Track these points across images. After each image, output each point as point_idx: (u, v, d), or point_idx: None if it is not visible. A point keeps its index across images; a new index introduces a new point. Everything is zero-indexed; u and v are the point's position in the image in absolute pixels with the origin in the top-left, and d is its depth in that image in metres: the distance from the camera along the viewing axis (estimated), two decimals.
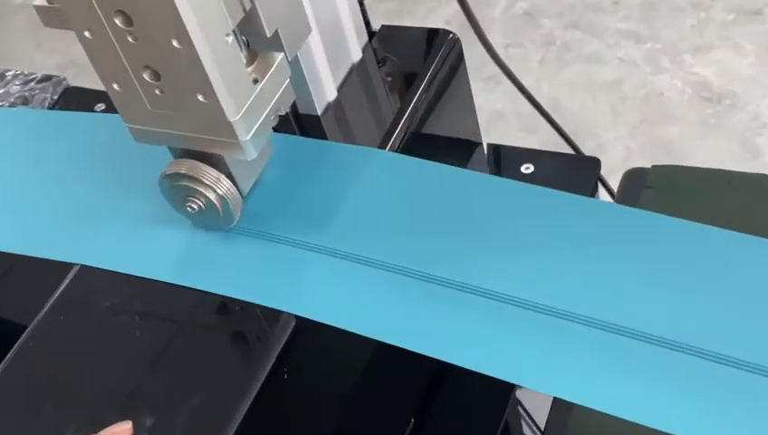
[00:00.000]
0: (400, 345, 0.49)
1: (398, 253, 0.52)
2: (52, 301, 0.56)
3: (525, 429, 0.78)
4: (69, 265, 0.57)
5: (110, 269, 0.56)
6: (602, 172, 1.08)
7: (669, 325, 0.47)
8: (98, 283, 0.56)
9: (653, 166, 0.81)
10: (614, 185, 1.14)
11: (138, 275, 0.55)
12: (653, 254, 0.51)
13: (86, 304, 0.56)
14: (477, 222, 0.53)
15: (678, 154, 1.50)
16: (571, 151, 1.02)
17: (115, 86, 0.49)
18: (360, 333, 0.50)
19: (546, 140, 1.58)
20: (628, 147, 1.54)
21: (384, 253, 0.52)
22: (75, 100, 0.87)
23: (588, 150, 1.59)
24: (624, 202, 0.80)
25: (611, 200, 0.94)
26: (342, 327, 0.50)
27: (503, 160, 0.79)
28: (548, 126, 1.61)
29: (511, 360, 0.47)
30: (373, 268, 0.52)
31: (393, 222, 0.54)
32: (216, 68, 0.46)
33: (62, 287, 0.57)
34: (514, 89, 1.58)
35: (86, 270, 0.57)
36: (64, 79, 0.91)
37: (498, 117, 1.65)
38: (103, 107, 0.83)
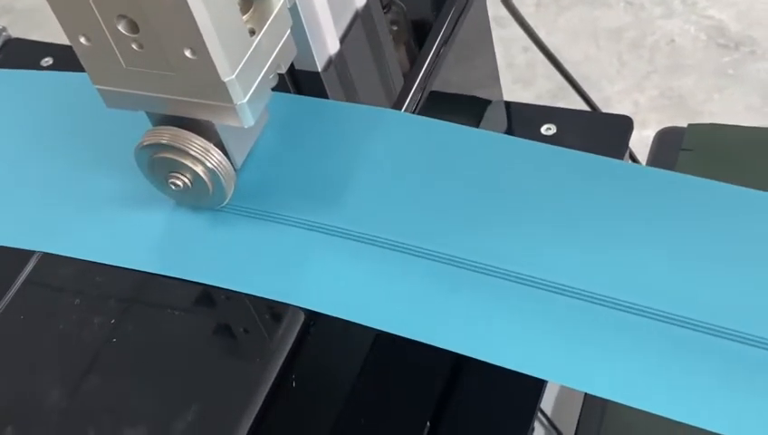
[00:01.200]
0: (426, 341, 0.45)
1: (422, 233, 0.49)
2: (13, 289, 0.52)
3: None
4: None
5: (78, 257, 0.51)
6: None
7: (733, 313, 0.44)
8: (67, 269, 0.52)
9: (689, 125, 0.78)
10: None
11: (111, 264, 0.51)
12: (710, 228, 0.48)
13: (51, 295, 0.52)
14: (511, 195, 0.50)
15: (692, 108, 1.47)
16: (579, 102, 0.98)
17: (82, 40, 0.45)
18: (379, 328, 0.46)
19: (543, 93, 1.55)
20: (636, 101, 1.51)
21: (405, 234, 0.49)
22: (18, 54, 0.81)
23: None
24: (658, 167, 0.77)
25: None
26: (358, 321, 0.46)
27: (520, 120, 0.75)
28: (545, 78, 1.59)
29: (554, 356, 0.44)
30: (393, 251, 0.48)
31: (415, 196, 0.50)
32: (207, 16, 0.42)
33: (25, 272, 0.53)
34: (506, 37, 1.54)
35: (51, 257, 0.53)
36: (4, 29, 0.85)
37: None
38: (51, 61, 0.78)
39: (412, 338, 0.45)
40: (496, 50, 1.68)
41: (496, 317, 0.46)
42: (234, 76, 0.44)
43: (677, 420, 0.41)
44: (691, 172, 0.75)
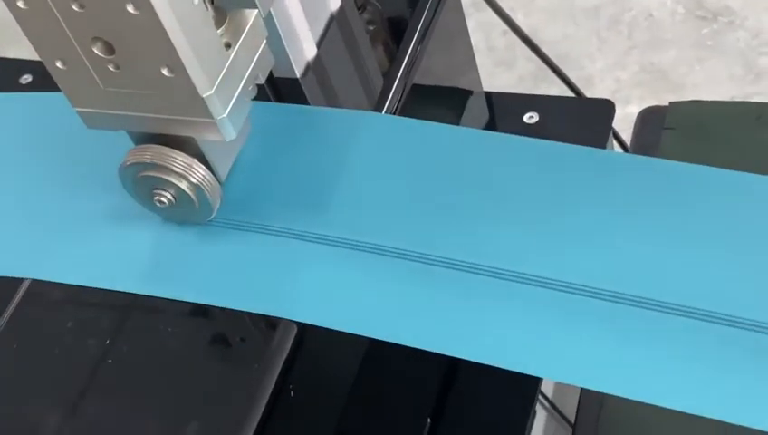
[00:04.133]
0: (430, 349, 0.45)
1: (416, 237, 0.48)
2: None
3: (553, 422, 0.75)
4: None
5: (66, 282, 0.51)
6: None
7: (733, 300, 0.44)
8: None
9: (671, 103, 0.78)
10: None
11: (100, 286, 0.51)
12: (702, 216, 0.48)
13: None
14: (500, 192, 0.50)
15: (674, 82, 1.47)
16: (561, 83, 0.98)
17: (59, 64, 0.45)
18: (378, 337, 0.46)
19: (526, 74, 1.55)
20: (617, 78, 1.51)
21: (399, 238, 0.49)
22: None
23: None
24: (642, 147, 0.77)
25: (618, 146, 0.91)
26: (355, 332, 0.46)
27: (502, 109, 0.75)
28: (525, 59, 1.58)
29: (556, 354, 0.44)
30: (388, 257, 0.48)
31: (402, 199, 0.50)
32: (182, 34, 0.42)
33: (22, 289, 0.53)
34: (485, 20, 1.54)
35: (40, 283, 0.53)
36: None
37: None
38: (30, 78, 0.78)
39: (412, 345, 0.45)
40: (476, 34, 1.68)
41: (494, 317, 0.45)
42: (212, 92, 0.44)
43: (681, 410, 0.42)
44: (675, 151, 0.76)
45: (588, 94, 1.52)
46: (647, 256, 0.46)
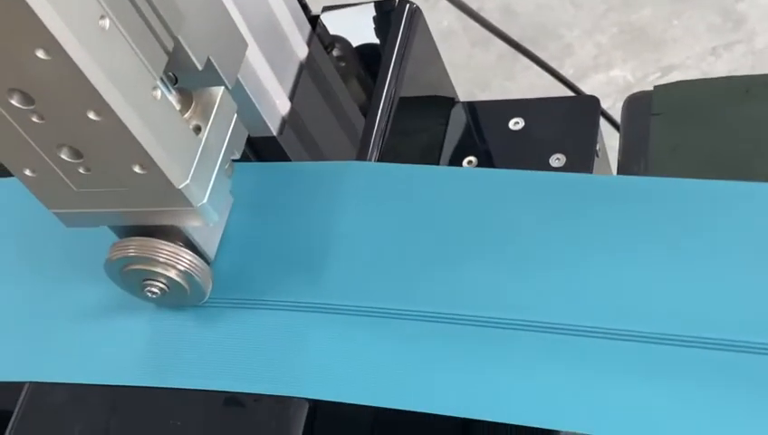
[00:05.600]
0: (442, 413, 0.44)
1: (422, 296, 0.47)
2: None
3: None
4: None
5: (61, 381, 0.50)
6: (573, 77, 1.02)
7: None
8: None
9: (655, 87, 0.76)
10: (587, 90, 1.08)
11: (100, 383, 0.49)
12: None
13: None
14: (497, 236, 0.48)
15: (654, 39, 1.45)
16: (542, 54, 0.96)
17: (27, 172, 0.43)
18: (395, 407, 0.44)
19: (504, 53, 1.53)
20: (597, 43, 1.49)
21: (405, 299, 0.47)
22: None
23: (552, 54, 1.53)
24: (631, 137, 0.75)
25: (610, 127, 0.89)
26: (368, 404, 0.45)
27: (486, 118, 0.73)
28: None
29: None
30: (396, 320, 0.46)
31: (403, 253, 0.48)
32: (148, 133, 0.40)
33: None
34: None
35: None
36: None
37: (446, 35, 1.59)
38: None
39: (419, 410, 0.44)
40: (449, 14, 1.65)
41: (511, 372, 0.44)
42: (188, 181, 0.43)
43: None
44: (665, 138, 0.74)
45: (569, 62, 1.51)
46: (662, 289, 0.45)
